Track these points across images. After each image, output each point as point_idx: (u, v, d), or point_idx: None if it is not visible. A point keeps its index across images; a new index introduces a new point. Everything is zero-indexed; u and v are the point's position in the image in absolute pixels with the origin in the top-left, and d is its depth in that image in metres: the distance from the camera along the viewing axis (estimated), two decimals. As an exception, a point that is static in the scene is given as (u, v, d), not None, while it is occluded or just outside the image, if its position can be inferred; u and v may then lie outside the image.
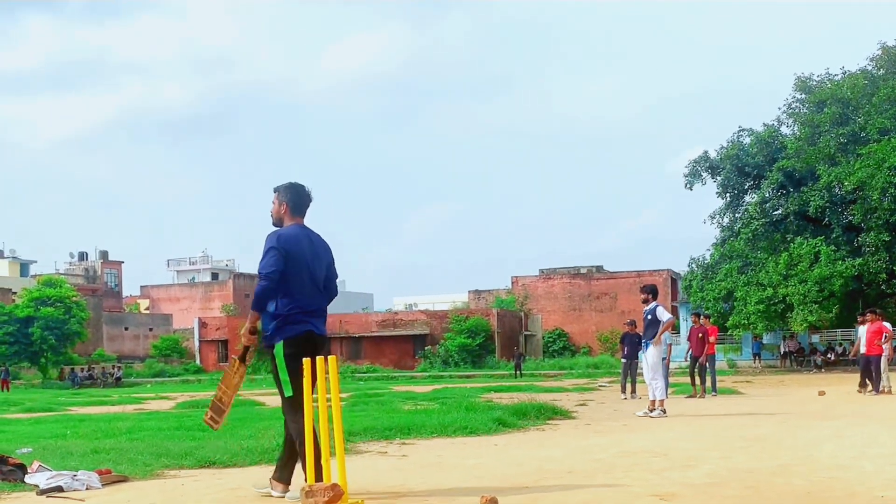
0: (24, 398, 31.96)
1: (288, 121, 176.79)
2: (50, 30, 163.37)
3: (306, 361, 6.10)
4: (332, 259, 6.89)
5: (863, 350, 20.90)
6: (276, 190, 6.86)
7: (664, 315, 14.83)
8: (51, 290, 60.26)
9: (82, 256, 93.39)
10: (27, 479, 7.45)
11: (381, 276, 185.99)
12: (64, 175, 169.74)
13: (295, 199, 6.76)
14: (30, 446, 10.07)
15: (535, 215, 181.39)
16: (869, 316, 21.17)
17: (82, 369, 60.53)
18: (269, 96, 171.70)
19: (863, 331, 21.42)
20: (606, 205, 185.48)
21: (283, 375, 6.49)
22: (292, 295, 6.51)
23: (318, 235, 6.84)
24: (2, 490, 7.15)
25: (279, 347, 6.51)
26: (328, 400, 6.16)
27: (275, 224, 6.81)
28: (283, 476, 6.63)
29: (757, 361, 47.06)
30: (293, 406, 6.46)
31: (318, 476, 6.05)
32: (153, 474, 7.72)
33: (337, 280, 6.96)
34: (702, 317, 23.01)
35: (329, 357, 6.20)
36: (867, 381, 20.59)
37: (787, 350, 46.85)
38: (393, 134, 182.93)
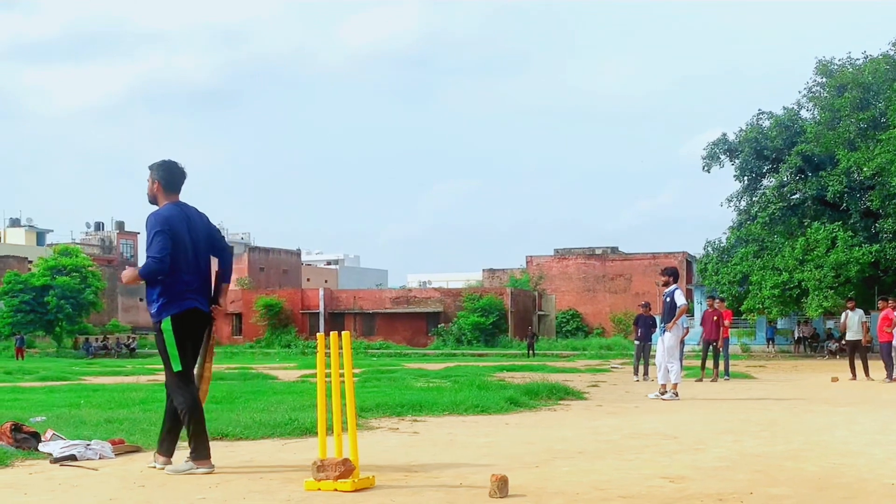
0: (38, 367, 32.15)
1: (304, 94, 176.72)
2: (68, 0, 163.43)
3: (320, 336, 6.19)
4: (213, 228, 7.14)
5: (853, 337, 21.19)
6: (149, 168, 7.00)
7: (680, 299, 14.79)
8: (67, 259, 60.49)
9: (98, 226, 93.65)
10: (41, 447, 7.51)
11: (396, 252, 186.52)
12: (81, 145, 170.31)
13: (167, 176, 6.92)
14: (44, 415, 10.15)
15: (551, 194, 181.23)
16: (890, 303, 21.14)
17: (97, 339, 60.85)
18: (286, 69, 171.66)
19: (851, 316, 21.51)
20: (623, 185, 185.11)
21: (172, 350, 6.67)
22: (176, 273, 6.69)
23: (195, 209, 7.03)
24: (16, 458, 7.22)
25: (167, 323, 6.68)
26: (341, 376, 6.19)
27: (150, 202, 6.99)
28: (164, 448, 6.81)
29: (771, 346, 46.93)
30: (182, 380, 6.70)
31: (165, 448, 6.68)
32: (166, 445, 7.75)
33: (224, 250, 7.19)
34: (717, 300, 22.96)
35: (343, 333, 6.22)
36: (867, 369, 20.74)
37: (801, 335, 46.70)
38: (409, 110, 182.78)
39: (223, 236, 7.19)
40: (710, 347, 21.08)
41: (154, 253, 6.61)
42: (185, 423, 6.69)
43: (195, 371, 6.93)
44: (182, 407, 6.67)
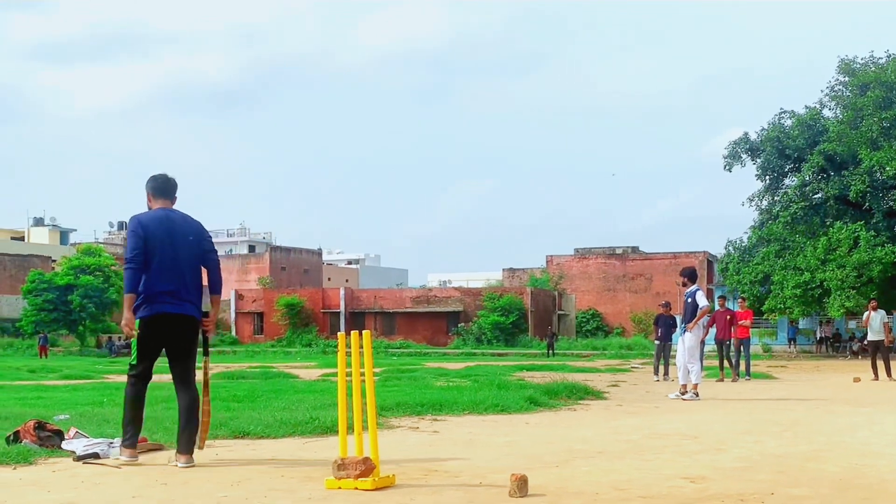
0: (61, 365, 32.40)
1: (325, 94, 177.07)
2: (91, 1, 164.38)
3: (341, 336, 6.28)
4: (202, 234, 7.23)
5: (875, 337, 21.07)
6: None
7: (702, 301, 14.74)
8: (90, 258, 60.77)
9: (121, 226, 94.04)
10: (64, 445, 7.56)
11: (416, 252, 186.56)
12: (103, 145, 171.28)
13: (154, 185, 7.23)
14: (67, 413, 10.22)
15: (571, 194, 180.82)
16: None
17: (119, 338, 61.06)
18: (307, 70, 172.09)
19: (874, 317, 21.37)
20: (644, 184, 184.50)
21: (134, 347, 7.05)
22: (149, 276, 6.90)
23: (184, 214, 7.22)
24: (39, 456, 7.27)
25: (137, 324, 6.94)
26: (362, 375, 6.21)
27: None
28: (183, 447, 6.96)
29: (792, 346, 46.71)
30: (133, 374, 7.06)
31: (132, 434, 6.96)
32: (188, 443, 7.80)
33: (210, 252, 7.27)
34: (730, 299, 22.87)
35: (363, 332, 6.25)
36: (890, 369, 20.64)
37: (822, 335, 46.42)
38: (429, 109, 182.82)
39: (212, 244, 7.30)
40: (722, 347, 21.02)
41: (126, 254, 6.94)
42: (124, 409, 7.04)
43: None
44: (126, 394, 7.06)
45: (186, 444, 6.90)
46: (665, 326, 21.86)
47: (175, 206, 7.22)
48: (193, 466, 6.78)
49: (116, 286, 61.05)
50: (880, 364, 20.85)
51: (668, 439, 8.69)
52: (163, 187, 7.19)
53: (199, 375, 7.22)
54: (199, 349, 7.19)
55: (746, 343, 21.62)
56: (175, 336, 7.00)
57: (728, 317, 21.23)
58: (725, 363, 21.00)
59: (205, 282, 7.23)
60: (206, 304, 7.19)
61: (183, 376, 7.06)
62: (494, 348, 55.31)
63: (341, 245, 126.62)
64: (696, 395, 14.53)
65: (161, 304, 6.90)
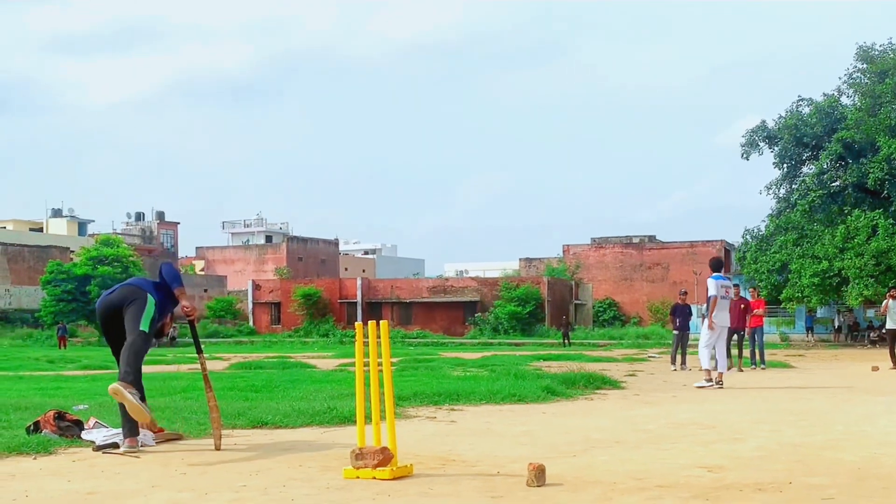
0: (80, 355, 32.59)
1: (342, 85, 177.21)
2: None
3: (358, 325, 6.37)
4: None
5: (893, 326, 20.96)
6: None
7: (710, 290, 14.78)
8: (108, 249, 61.03)
9: (139, 217, 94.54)
10: (84, 435, 7.62)
11: (433, 241, 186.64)
12: (122, 136, 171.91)
13: None
14: (86, 403, 10.30)
15: (588, 184, 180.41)
16: None
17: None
18: (324, 61, 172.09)
19: (892, 305, 21.22)
20: (660, 173, 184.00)
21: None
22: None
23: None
24: (59, 445, 7.33)
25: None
26: (379, 364, 6.23)
27: None
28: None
29: (810, 335, 46.53)
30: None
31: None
32: (206, 434, 7.85)
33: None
34: (744, 288, 22.73)
35: (381, 322, 6.27)
36: None
37: (840, 324, 46.23)
38: (447, 100, 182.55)
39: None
40: (735, 336, 20.86)
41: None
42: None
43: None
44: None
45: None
46: (682, 316, 21.78)
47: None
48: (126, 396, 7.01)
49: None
50: None
51: (686, 429, 8.68)
52: None
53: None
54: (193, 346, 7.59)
55: (760, 332, 21.49)
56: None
57: (742, 306, 21.10)
58: (735, 352, 20.86)
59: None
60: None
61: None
62: (511, 338, 55.31)
63: (358, 235, 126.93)
64: (710, 381, 14.56)
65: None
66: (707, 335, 15.02)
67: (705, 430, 8.52)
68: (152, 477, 6.09)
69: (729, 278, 16.65)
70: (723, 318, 15.07)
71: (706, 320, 14.98)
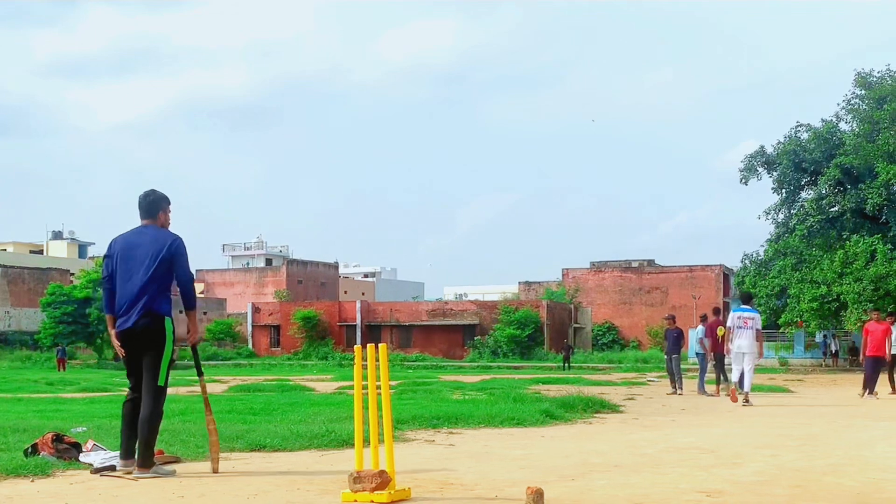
0: (79, 378, 32.51)
1: (342, 109, 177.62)
2: (110, 17, 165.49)
3: (357, 348, 6.38)
4: (162, 250, 7.16)
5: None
6: None
7: (728, 321, 17.09)
8: (108, 272, 60.98)
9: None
10: (82, 457, 7.60)
11: (433, 265, 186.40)
12: (122, 159, 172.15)
13: (138, 205, 7.39)
14: (84, 425, 10.26)
15: (587, 207, 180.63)
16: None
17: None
18: (324, 85, 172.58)
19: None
20: (659, 198, 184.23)
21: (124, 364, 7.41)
22: (116, 296, 7.22)
23: (151, 231, 7.27)
24: (57, 468, 7.31)
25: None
26: (378, 388, 6.23)
27: None
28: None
29: (811, 360, 46.54)
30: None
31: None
32: (205, 456, 7.83)
33: (183, 271, 7.28)
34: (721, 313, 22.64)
35: (380, 345, 6.27)
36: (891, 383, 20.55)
37: (837, 349, 46.29)
38: (446, 124, 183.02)
39: (182, 260, 7.25)
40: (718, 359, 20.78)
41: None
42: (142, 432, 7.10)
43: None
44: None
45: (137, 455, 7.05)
46: (669, 340, 21.81)
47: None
48: (145, 478, 6.84)
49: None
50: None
51: (685, 453, 8.66)
52: (140, 208, 7.36)
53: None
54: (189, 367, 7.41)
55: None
56: (133, 352, 7.19)
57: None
58: (723, 376, 20.73)
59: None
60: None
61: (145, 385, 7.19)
62: (510, 361, 55.20)
63: (358, 258, 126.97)
64: (746, 401, 15.95)
65: (121, 323, 7.13)
66: (727, 358, 17.01)
67: (705, 455, 8.49)
68: (149, 500, 6.07)
69: (755, 309, 17.80)
70: (738, 344, 16.54)
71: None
